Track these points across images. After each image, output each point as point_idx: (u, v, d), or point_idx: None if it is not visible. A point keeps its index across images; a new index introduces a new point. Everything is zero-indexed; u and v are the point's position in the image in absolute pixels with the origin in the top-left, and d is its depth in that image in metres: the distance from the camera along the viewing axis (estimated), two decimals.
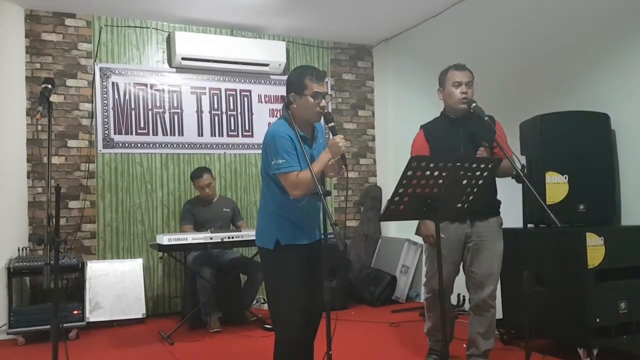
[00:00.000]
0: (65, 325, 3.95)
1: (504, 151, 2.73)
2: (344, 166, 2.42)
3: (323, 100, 2.45)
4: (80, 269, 4.35)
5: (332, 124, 2.43)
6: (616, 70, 3.59)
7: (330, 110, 5.91)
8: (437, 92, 3.12)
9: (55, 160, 4.86)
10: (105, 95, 5.05)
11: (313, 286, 2.46)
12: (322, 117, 2.50)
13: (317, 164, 2.37)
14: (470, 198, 2.41)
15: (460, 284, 3.22)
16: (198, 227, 4.66)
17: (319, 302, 2.47)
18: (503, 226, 3.16)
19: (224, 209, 4.86)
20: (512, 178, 2.67)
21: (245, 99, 5.61)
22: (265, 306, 5.30)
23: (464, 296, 4.58)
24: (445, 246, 2.95)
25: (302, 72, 2.48)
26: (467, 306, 3.73)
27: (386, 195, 5.84)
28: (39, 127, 4.75)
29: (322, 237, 2.49)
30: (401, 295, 5.36)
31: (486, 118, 2.83)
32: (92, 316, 4.45)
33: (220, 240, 4.14)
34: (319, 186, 2.24)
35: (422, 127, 3.20)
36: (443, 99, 3.10)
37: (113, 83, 5.08)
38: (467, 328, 3.19)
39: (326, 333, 2.35)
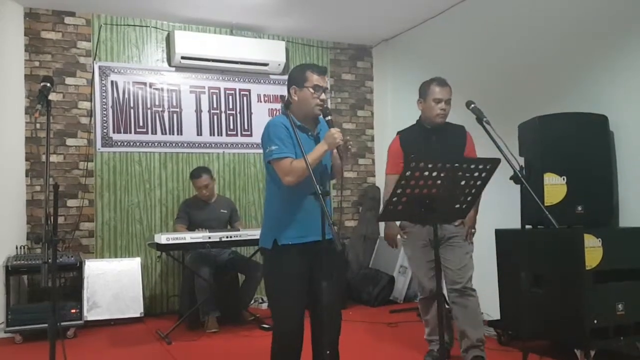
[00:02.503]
0: (62, 324, 3.93)
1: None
2: (345, 157, 2.44)
3: (323, 94, 2.49)
4: (78, 268, 4.34)
5: (329, 117, 2.47)
6: (615, 72, 3.59)
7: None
8: (417, 103, 3.27)
9: (53, 158, 4.85)
10: (104, 94, 5.05)
11: (318, 286, 2.42)
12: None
13: (313, 153, 2.40)
14: (469, 199, 2.41)
15: None
16: (194, 228, 4.62)
17: (331, 302, 2.49)
18: (501, 227, 3.18)
19: (221, 210, 4.84)
20: (511, 179, 2.68)
21: (245, 98, 5.61)
22: (263, 306, 5.30)
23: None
24: (421, 248, 3.20)
25: (304, 66, 2.57)
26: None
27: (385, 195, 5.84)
28: (38, 126, 4.75)
29: (331, 236, 2.50)
30: (399, 295, 5.36)
31: (485, 119, 2.83)
32: (89, 315, 4.45)
33: (218, 240, 4.14)
34: (317, 186, 2.23)
35: (398, 133, 3.36)
36: (422, 110, 3.25)
37: (112, 82, 5.08)
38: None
39: (325, 332, 2.36)
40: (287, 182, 2.42)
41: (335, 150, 2.45)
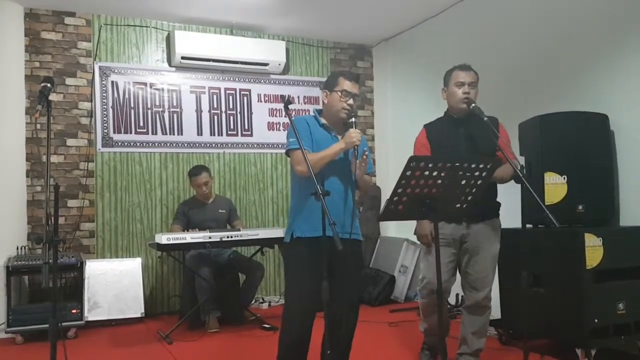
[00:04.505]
0: (63, 324, 3.93)
1: (505, 154, 2.72)
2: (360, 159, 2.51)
3: (351, 100, 2.60)
4: (79, 268, 4.34)
5: (353, 119, 2.58)
6: (615, 71, 3.59)
7: None
8: (441, 92, 3.13)
9: (54, 159, 4.85)
10: (104, 94, 5.05)
11: (333, 286, 2.38)
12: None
13: (327, 150, 2.52)
14: (469, 198, 2.41)
15: (458, 283, 3.22)
16: (192, 229, 4.61)
17: (345, 301, 2.54)
18: (502, 226, 3.16)
19: (220, 210, 4.83)
20: (511, 178, 2.68)
21: (245, 98, 5.61)
22: (264, 306, 5.31)
23: (462, 296, 4.58)
24: (441, 247, 2.96)
25: (338, 72, 2.73)
26: None
27: (385, 195, 5.84)
28: (38, 126, 4.75)
29: (350, 236, 2.53)
30: (400, 295, 5.36)
31: (485, 119, 2.82)
32: (90, 315, 4.45)
33: (219, 240, 4.14)
34: (319, 186, 2.24)
35: (424, 126, 3.21)
36: (446, 99, 3.10)
37: (112, 82, 5.08)
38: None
39: (327, 333, 2.36)
40: (299, 172, 2.51)
41: (355, 164, 2.54)
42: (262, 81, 5.67)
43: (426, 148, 3.08)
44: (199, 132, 5.38)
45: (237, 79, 5.57)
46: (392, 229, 5.82)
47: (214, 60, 5.26)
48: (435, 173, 2.23)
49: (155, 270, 5.18)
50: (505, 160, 2.74)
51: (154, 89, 5.23)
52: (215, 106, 5.47)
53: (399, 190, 2.24)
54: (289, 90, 5.65)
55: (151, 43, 5.26)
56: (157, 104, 5.23)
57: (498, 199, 3.12)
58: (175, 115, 5.30)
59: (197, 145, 5.37)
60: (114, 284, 4.64)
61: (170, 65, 5.29)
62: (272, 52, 5.47)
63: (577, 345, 3.16)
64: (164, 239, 3.97)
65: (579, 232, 3.16)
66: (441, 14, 5.10)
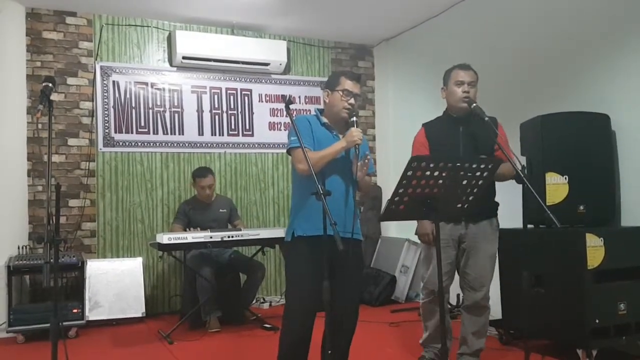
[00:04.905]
0: (64, 323, 3.94)
1: (506, 153, 2.72)
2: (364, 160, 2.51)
3: (352, 99, 2.61)
4: (80, 268, 4.34)
5: (354, 119, 2.58)
6: (617, 71, 3.59)
7: None
8: (441, 91, 3.13)
9: (55, 158, 4.86)
10: (105, 94, 5.05)
11: (334, 286, 2.37)
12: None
13: (329, 148, 2.52)
14: (470, 198, 2.41)
15: (458, 283, 3.22)
16: (193, 228, 4.60)
17: (346, 301, 2.54)
18: (503, 227, 3.16)
19: (221, 210, 4.84)
20: (512, 178, 2.68)
21: (246, 98, 5.61)
22: (265, 305, 5.31)
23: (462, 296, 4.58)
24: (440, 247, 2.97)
25: (339, 71, 2.74)
26: None
27: (386, 195, 5.84)
28: (40, 126, 4.75)
29: (352, 236, 2.53)
30: (401, 295, 5.36)
31: (486, 119, 2.82)
32: (91, 315, 4.45)
33: (220, 240, 4.14)
34: (319, 186, 2.24)
35: (423, 125, 3.21)
36: (446, 98, 3.10)
37: (114, 82, 5.09)
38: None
39: (327, 332, 2.36)
40: (300, 170, 2.51)
41: (356, 164, 2.52)
42: (263, 81, 5.67)
43: (425, 147, 3.08)
44: (200, 132, 5.39)
45: (238, 79, 5.58)
46: (393, 229, 5.82)
47: (215, 60, 5.26)
48: (436, 173, 2.23)
49: (156, 270, 5.18)
50: (506, 159, 2.74)
51: (155, 88, 5.24)
52: (216, 106, 5.47)
53: (400, 191, 2.24)
54: (290, 90, 5.66)
55: (152, 43, 5.26)
56: (159, 103, 5.24)
57: (498, 199, 3.12)
58: (176, 115, 5.30)
59: (198, 145, 5.37)
60: (115, 284, 4.64)
61: (171, 65, 5.29)
62: (273, 52, 5.47)
63: (578, 346, 3.15)
64: (165, 238, 3.97)
65: (580, 232, 3.16)
66: (442, 14, 5.10)
